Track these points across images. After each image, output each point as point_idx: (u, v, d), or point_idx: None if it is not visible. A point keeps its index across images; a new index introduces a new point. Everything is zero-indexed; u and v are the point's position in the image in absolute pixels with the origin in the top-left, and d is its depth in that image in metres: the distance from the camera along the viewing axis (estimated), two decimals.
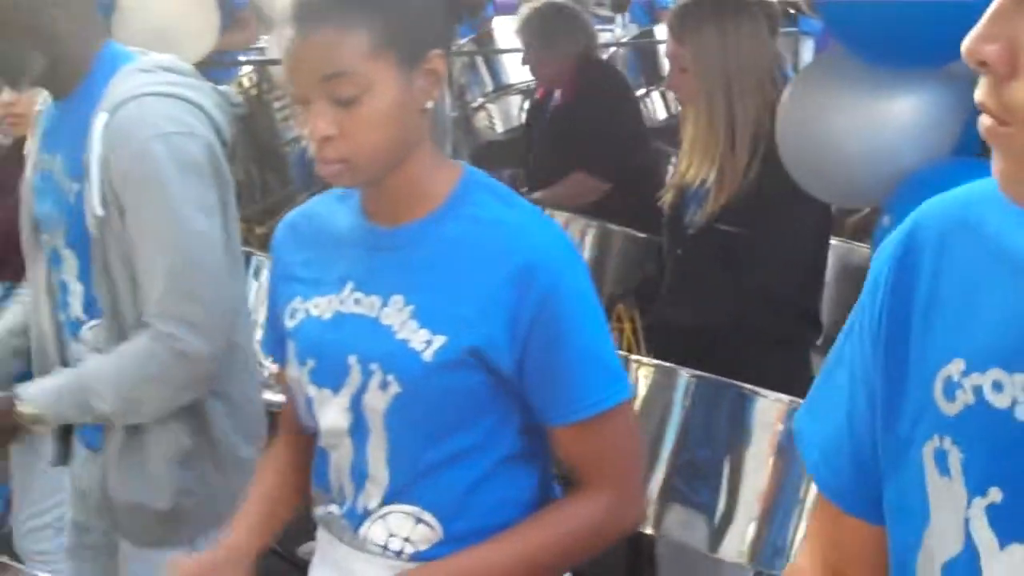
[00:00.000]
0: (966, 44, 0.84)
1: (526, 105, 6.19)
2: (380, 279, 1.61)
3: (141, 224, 2.03)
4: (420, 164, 1.59)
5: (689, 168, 3.04)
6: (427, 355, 1.55)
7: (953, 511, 0.96)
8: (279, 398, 2.28)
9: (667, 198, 3.14)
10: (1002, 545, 0.92)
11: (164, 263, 2.01)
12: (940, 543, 0.97)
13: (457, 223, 1.59)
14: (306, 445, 1.77)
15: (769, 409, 2.39)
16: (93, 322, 2.18)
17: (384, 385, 1.57)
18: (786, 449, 2.34)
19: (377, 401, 1.58)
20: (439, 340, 1.55)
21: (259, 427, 2.28)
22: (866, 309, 1.07)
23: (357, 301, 1.62)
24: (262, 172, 5.18)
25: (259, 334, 2.61)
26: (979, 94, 0.86)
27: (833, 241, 3.37)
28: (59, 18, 2.08)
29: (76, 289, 2.19)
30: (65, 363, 2.25)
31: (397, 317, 1.58)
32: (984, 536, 0.93)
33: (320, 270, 1.68)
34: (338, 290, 1.64)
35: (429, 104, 1.55)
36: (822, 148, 2.58)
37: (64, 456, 2.37)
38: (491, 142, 6.25)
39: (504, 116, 6.38)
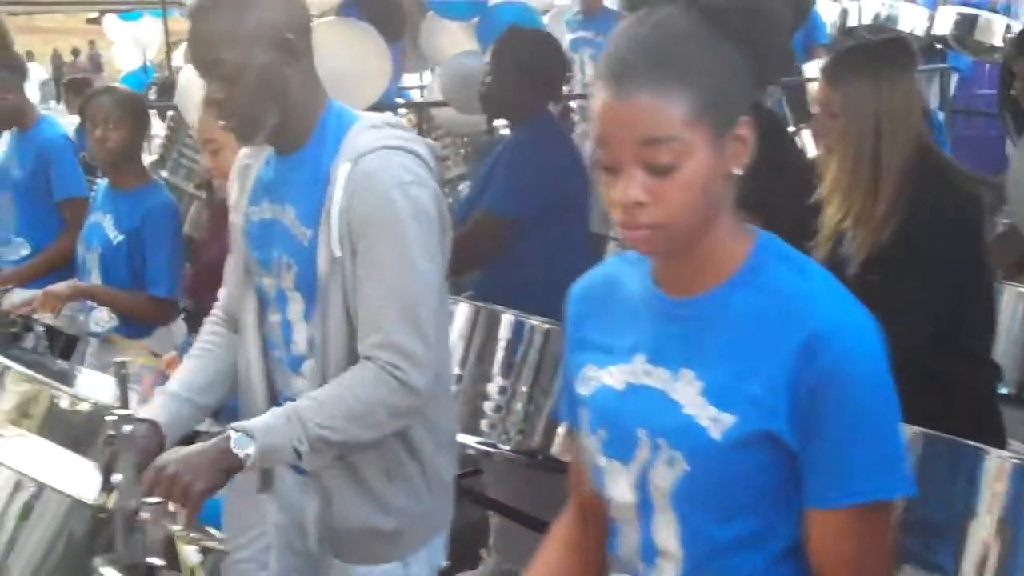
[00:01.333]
0: None
1: None
2: (670, 351, 1.57)
3: (375, 263, 2.19)
4: (719, 231, 1.55)
5: (833, 215, 3.00)
6: (715, 433, 1.50)
7: None
8: None
9: (822, 248, 3.07)
10: None
11: (393, 300, 2.18)
12: None
13: (750, 295, 1.54)
14: (595, 512, 1.73)
15: (996, 467, 2.33)
16: (314, 360, 2.30)
17: (671, 462, 1.53)
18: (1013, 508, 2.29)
19: (663, 479, 1.55)
20: (728, 419, 1.50)
21: (456, 451, 2.44)
22: None
23: (647, 373, 1.58)
24: None
25: None
26: None
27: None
28: (291, 77, 2.24)
29: (301, 328, 2.32)
30: (273, 401, 2.36)
31: (686, 392, 1.53)
32: None
33: (613, 337, 1.65)
34: (629, 360, 1.61)
35: (737, 170, 1.54)
36: None
37: (269, 482, 2.44)
38: None
39: None
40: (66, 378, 3.42)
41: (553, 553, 1.82)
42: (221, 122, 2.28)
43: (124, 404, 2.74)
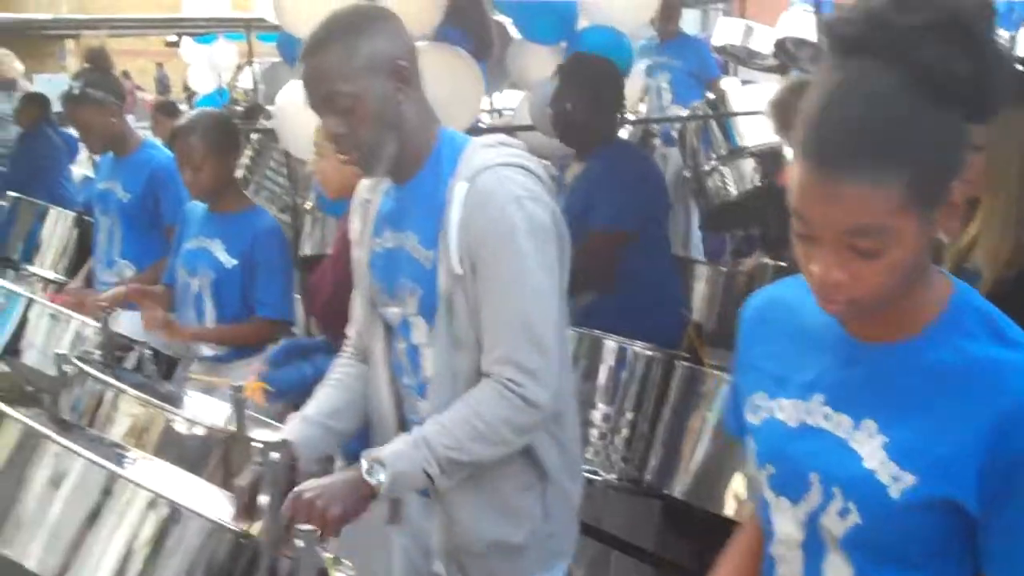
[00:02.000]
0: None
1: (760, 167, 6.21)
2: (853, 397, 1.52)
3: (493, 279, 2.22)
4: (918, 284, 1.48)
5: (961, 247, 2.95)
6: (894, 492, 1.45)
7: None
8: None
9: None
10: None
11: (513, 315, 2.21)
12: None
13: (943, 352, 1.46)
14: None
15: None
16: (438, 382, 2.33)
17: (844, 512, 1.50)
18: None
19: (835, 525, 1.52)
20: (909, 479, 1.45)
21: (579, 467, 2.48)
22: None
23: (826, 416, 1.54)
24: None
25: None
26: None
27: None
28: (406, 103, 2.29)
29: (428, 353, 2.35)
30: (403, 429, 2.40)
31: (867, 444, 1.49)
32: None
33: (787, 368, 1.61)
34: (806, 398, 1.57)
35: (939, 234, 1.49)
36: None
37: (398, 514, 2.46)
38: (725, 203, 6.23)
39: (738, 178, 6.35)
40: (174, 400, 3.46)
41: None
42: (343, 156, 2.31)
43: (242, 430, 2.79)
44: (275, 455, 1.98)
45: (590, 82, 4.28)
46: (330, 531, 2.07)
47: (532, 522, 2.34)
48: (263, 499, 1.98)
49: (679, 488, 3.24)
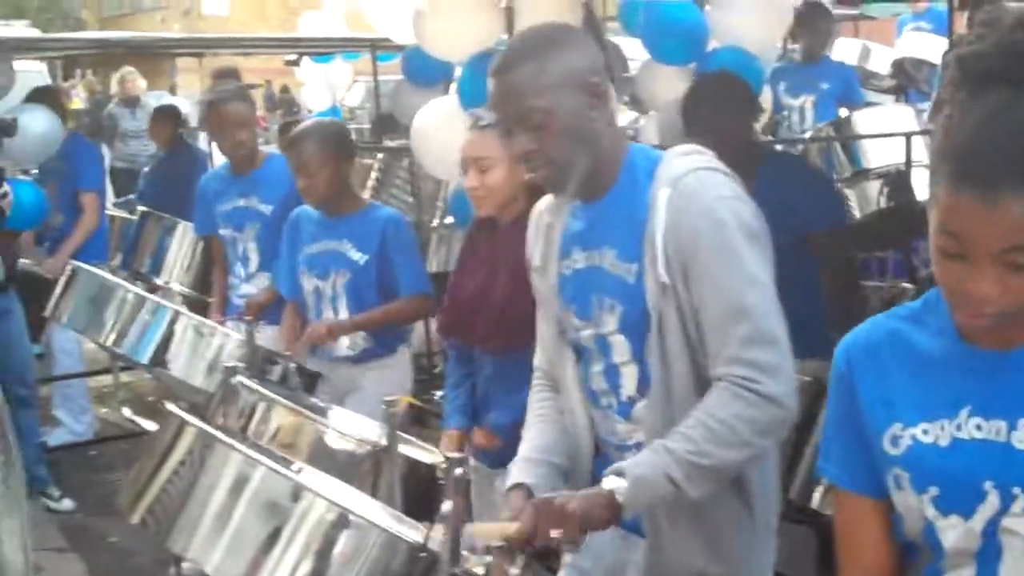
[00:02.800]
0: None
1: (885, 190, 6.15)
2: (1002, 403, 1.57)
3: (710, 278, 2.19)
4: None
5: None
6: None
7: None
8: None
9: None
10: None
11: (736, 315, 2.16)
12: None
13: None
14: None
15: None
16: (646, 400, 2.30)
17: None
18: None
19: (1017, 524, 1.56)
20: None
21: (777, 496, 2.41)
22: None
23: (979, 427, 1.59)
24: None
25: None
26: None
27: None
28: (598, 120, 2.28)
29: (630, 371, 2.32)
30: (600, 455, 2.38)
31: None
32: None
33: (917, 394, 1.65)
34: (952, 415, 1.61)
35: None
36: None
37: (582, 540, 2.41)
38: (856, 224, 6.18)
39: (862, 199, 6.31)
40: (319, 413, 3.53)
41: None
42: (532, 173, 2.31)
43: (393, 445, 2.84)
44: (459, 471, 2.01)
45: (729, 101, 4.26)
46: (572, 528, 2.07)
47: (735, 554, 2.30)
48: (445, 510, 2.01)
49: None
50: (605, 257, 2.32)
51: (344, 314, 4.13)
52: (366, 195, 6.38)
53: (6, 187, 5.40)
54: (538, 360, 2.56)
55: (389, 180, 6.67)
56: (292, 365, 3.92)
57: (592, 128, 2.26)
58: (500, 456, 3.05)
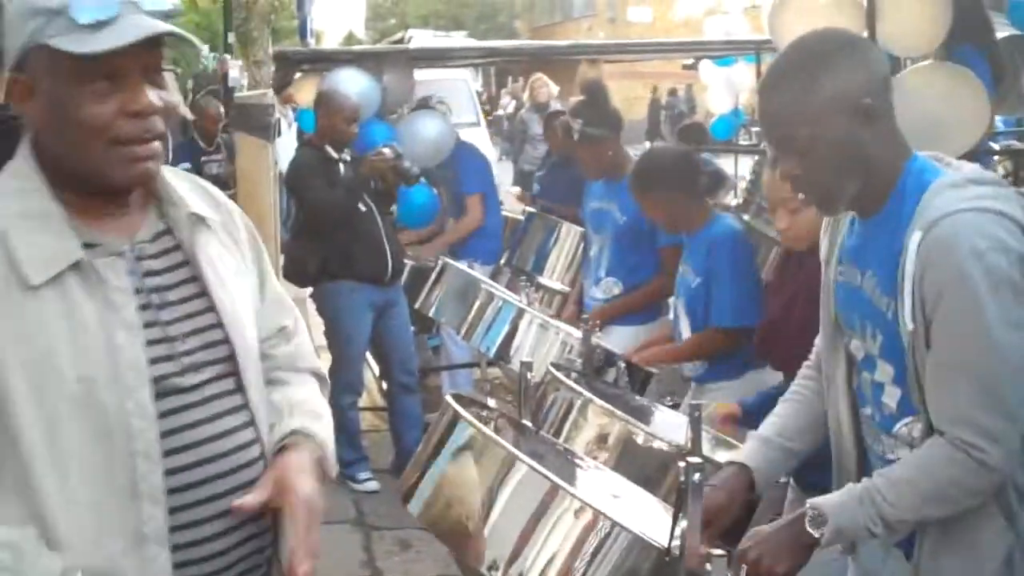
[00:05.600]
0: None
1: None
2: None
3: (949, 337, 2.07)
4: None
5: None
6: None
7: None
8: None
9: None
10: None
11: (968, 375, 2.05)
12: None
13: None
14: None
15: None
16: (908, 419, 2.23)
17: None
18: None
19: None
20: None
21: None
22: None
23: None
24: None
25: None
26: None
27: None
28: (870, 141, 2.14)
29: (892, 392, 2.25)
30: (863, 456, 2.35)
31: None
32: None
33: None
34: None
35: None
36: None
37: (852, 545, 2.39)
38: None
39: None
40: (643, 414, 3.55)
41: None
42: (799, 195, 2.26)
43: (697, 449, 2.81)
44: (697, 476, 1.99)
45: None
46: None
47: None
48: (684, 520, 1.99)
49: None
50: (868, 281, 2.24)
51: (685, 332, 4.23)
52: (739, 198, 6.35)
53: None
54: (816, 343, 2.53)
55: (763, 184, 6.57)
56: (622, 365, 3.96)
57: (862, 153, 2.15)
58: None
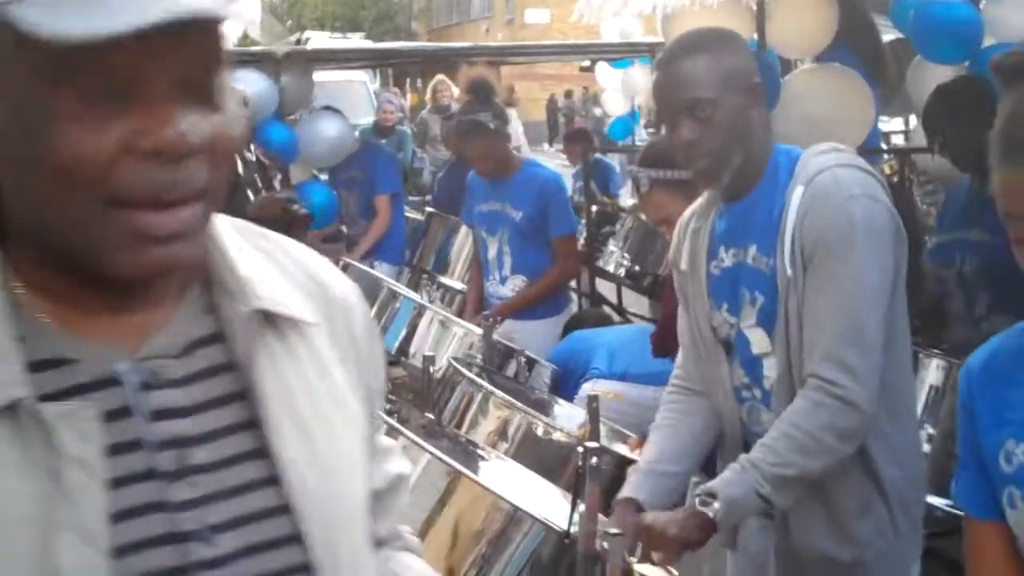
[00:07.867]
0: None
1: None
2: None
3: (823, 278, 2.22)
4: None
5: None
6: None
7: None
8: None
9: None
10: None
11: (836, 313, 2.20)
12: None
13: None
14: None
15: None
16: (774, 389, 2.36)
17: None
18: None
19: None
20: None
21: (924, 484, 2.42)
22: None
23: None
24: None
25: None
26: None
27: None
28: (755, 121, 2.36)
29: (771, 361, 2.36)
30: (747, 445, 2.39)
31: None
32: None
33: None
34: None
35: None
36: None
37: (732, 538, 2.48)
38: None
39: None
40: (543, 407, 3.62)
41: None
42: (689, 164, 2.36)
43: (595, 437, 2.89)
44: (595, 460, 2.06)
45: (973, 105, 4.03)
46: (669, 549, 2.18)
47: (867, 541, 2.31)
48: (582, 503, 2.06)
49: None
50: (749, 252, 2.36)
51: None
52: None
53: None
54: (677, 364, 2.60)
55: None
56: (523, 359, 4.03)
57: (750, 127, 2.33)
58: None
